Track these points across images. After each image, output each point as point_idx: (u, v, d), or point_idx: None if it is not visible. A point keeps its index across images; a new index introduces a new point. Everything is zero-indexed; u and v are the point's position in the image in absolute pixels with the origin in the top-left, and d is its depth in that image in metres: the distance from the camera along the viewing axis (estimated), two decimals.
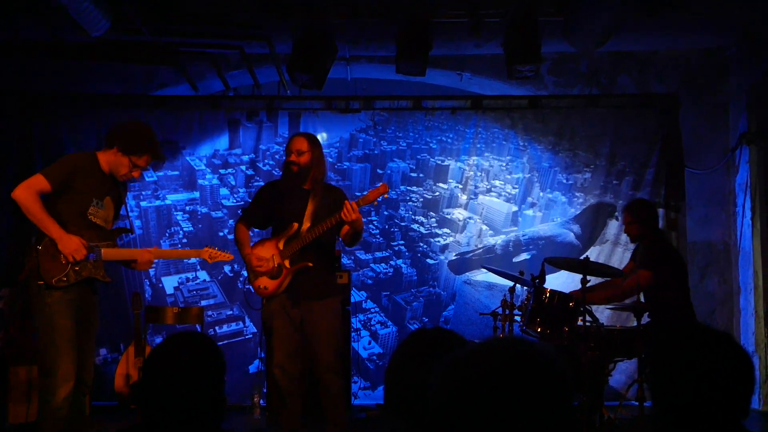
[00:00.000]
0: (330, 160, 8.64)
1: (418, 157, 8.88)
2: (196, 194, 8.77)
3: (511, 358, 1.67)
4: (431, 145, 8.86)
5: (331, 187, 6.24)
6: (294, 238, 5.87)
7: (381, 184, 5.76)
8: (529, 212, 8.80)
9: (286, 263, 5.86)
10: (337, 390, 5.88)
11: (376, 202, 5.77)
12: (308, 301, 5.86)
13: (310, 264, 5.82)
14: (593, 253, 8.45)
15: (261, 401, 7.73)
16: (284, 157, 6.10)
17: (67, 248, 5.29)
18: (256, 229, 6.38)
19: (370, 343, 8.62)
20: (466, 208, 8.82)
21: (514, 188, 8.81)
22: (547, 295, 6.67)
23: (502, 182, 8.83)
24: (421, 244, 8.80)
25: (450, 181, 8.85)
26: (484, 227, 8.80)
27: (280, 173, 6.20)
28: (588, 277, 6.61)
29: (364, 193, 6.05)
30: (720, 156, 8.73)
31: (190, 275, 8.69)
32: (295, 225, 5.88)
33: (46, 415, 5.29)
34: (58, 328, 5.28)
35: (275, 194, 6.09)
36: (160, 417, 2.67)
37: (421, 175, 8.88)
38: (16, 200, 5.25)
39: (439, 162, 8.86)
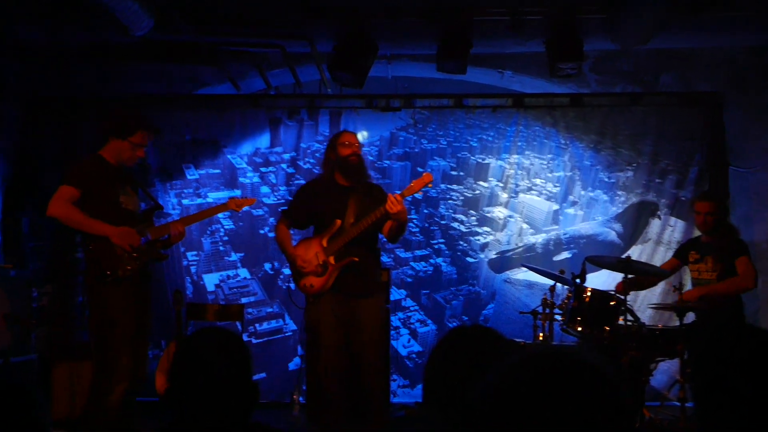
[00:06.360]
0: (370, 158, 8.66)
1: (459, 155, 8.85)
2: (238, 192, 8.80)
3: (565, 369, 1.65)
4: (472, 143, 8.84)
5: (370, 184, 6.21)
6: (338, 234, 5.86)
7: (425, 173, 5.72)
8: (571, 211, 8.75)
9: (331, 260, 5.85)
10: (379, 388, 5.89)
11: (420, 192, 5.74)
12: (355, 299, 5.85)
13: (356, 259, 5.82)
14: (635, 252, 8.38)
15: (300, 398, 7.75)
16: (325, 156, 6.11)
17: (122, 239, 5.37)
18: (296, 229, 6.38)
19: (409, 341, 8.62)
20: (506, 207, 8.79)
21: (555, 186, 8.76)
22: (588, 294, 6.62)
23: (543, 180, 8.79)
24: (461, 243, 8.78)
25: (490, 179, 8.82)
26: (525, 226, 8.76)
27: (322, 171, 6.21)
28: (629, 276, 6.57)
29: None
30: (764, 154, 8.60)
31: (231, 273, 8.75)
32: (338, 222, 5.87)
33: (98, 412, 5.30)
34: (118, 326, 5.35)
35: (316, 192, 6.09)
36: (188, 412, 2.70)
37: (461, 173, 8.85)
38: (54, 216, 5.35)
39: (480, 160, 8.84)
